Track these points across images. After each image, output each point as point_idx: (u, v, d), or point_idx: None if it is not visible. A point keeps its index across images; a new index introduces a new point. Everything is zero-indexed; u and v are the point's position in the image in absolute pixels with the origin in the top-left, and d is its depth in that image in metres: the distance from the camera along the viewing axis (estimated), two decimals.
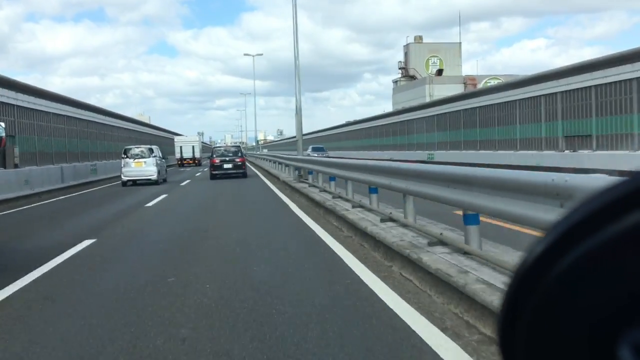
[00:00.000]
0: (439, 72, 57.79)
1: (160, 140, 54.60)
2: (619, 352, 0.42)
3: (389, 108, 63.57)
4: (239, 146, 28.61)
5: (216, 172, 24.18)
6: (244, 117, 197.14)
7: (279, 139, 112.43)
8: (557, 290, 0.44)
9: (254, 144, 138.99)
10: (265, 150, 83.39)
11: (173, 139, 53.52)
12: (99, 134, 33.70)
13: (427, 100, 43.10)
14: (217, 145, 59.54)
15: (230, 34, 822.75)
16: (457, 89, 45.78)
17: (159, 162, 22.52)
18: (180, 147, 48.93)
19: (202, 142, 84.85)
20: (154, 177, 21.63)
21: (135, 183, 21.86)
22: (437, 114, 35.39)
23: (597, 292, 0.43)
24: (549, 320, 0.45)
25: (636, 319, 0.42)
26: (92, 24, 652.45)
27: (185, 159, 48.22)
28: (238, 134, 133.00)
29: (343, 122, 65.86)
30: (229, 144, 46.85)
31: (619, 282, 0.42)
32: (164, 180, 23.25)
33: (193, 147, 49.13)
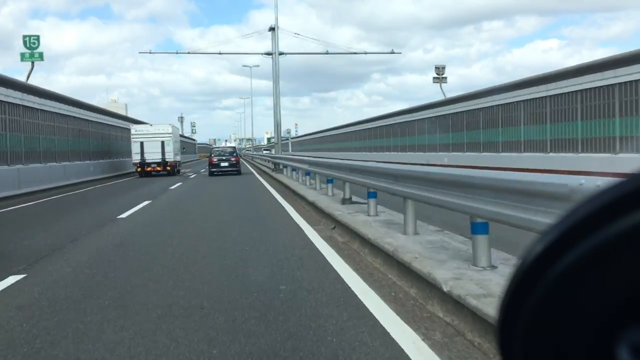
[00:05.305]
0: None
1: (107, 132, 33.62)
2: (617, 352, 0.43)
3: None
4: (234, 147, 33.05)
5: (214, 169, 28.21)
6: (248, 117, 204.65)
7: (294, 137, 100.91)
8: (556, 289, 0.45)
9: (264, 142, 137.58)
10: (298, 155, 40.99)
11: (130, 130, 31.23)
12: None
13: None
14: (215, 146, 50.81)
15: (238, 32, 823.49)
16: None
17: None
18: (141, 143, 29.22)
19: (183, 137, 58.92)
20: None
21: None
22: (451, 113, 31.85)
23: (596, 292, 0.44)
24: (548, 320, 0.46)
25: (635, 319, 0.42)
26: (99, 21, 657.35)
27: (148, 164, 29.13)
28: (243, 134, 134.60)
29: (348, 123, 59.27)
30: (225, 145, 40.91)
31: (618, 283, 0.43)
32: None
33: (162, 143, 29.37)
